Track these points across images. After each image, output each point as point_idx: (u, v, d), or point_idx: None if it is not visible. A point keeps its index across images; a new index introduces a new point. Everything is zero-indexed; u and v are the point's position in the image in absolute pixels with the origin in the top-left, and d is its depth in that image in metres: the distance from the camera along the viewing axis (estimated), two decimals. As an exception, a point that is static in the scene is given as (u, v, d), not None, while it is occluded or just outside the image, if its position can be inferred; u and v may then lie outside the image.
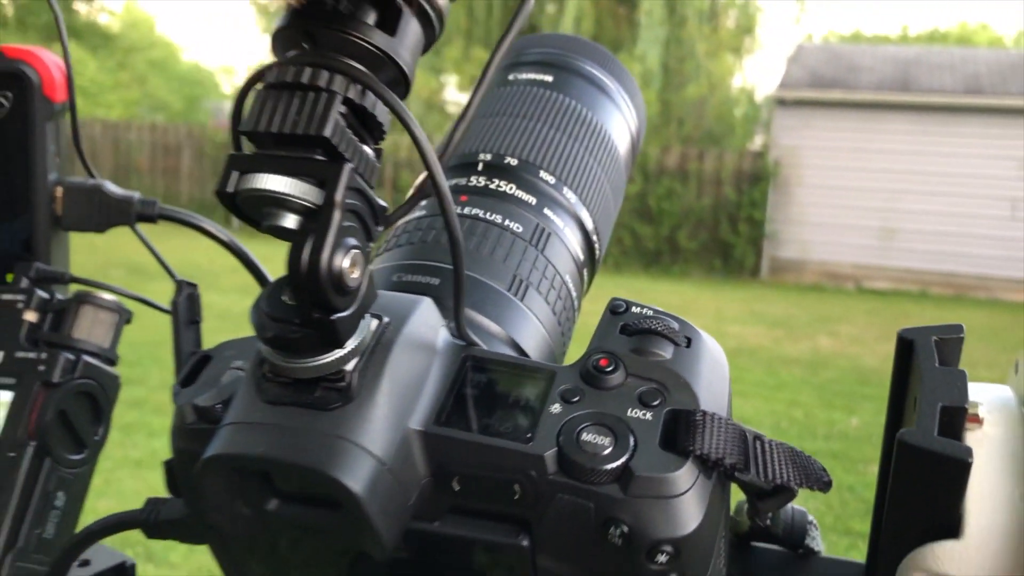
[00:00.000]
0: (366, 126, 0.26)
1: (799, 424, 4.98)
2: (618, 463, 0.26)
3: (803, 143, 12.01)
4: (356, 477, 0.25)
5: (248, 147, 0.26)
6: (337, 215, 0.24)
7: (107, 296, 0.42)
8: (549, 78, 0.42)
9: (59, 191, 0.48)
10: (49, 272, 0.45)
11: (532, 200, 0.37)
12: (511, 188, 0.37)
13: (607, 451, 0.26)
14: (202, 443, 0.29)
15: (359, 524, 0.26)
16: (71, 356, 0.41)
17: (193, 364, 0.30)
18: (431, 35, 0.27)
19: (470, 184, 0.37)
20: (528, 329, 0.34)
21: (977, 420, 0.27)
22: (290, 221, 0.25)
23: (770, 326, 8.12)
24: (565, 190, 0.39)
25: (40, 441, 0.39)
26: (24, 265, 0.46)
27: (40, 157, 0.47)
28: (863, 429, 4.85)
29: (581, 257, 0.39)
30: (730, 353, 0.29)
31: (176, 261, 0.52)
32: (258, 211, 0.25)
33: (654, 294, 9.02)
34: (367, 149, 0.26)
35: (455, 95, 7.53)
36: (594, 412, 0.27)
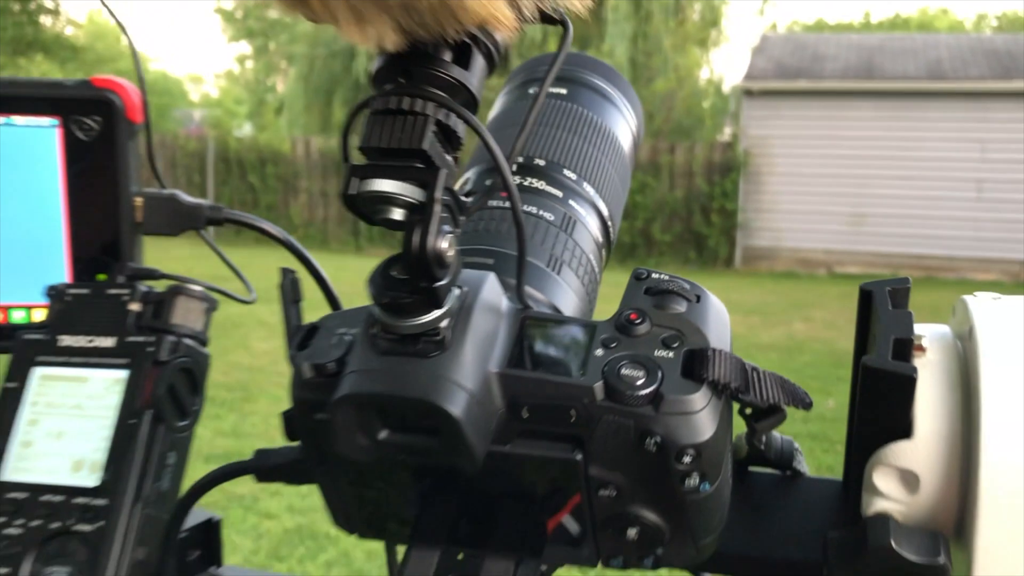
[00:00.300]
0: (449, 140, 0.33)
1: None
2: (650, 390, 0.33)
3: (772, 133, 12.15)
4: (455, 405, 0.32)
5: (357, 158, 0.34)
6: (437, 208, 0.32)
7: (197, 288, 0.50)
8: (564, 91, 0.50)
9: (139, 200, 0.55)
10: (142, 270, 0.53)
11: (559, 194, 0.45)
12: (541, 184, 0.45)
13: (641, 381, 0.34)
14: (318, 393, 0.36)
15: (456, 444, 0.33)
16: (173, 339, 0.48)
17: (305, 333, 0.38)
18: (492, 65, 0.35)
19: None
20: (565, 297, 0.42)
21: (921, 349, 0.35)
22: (398, 215, 0.32)
23: (745, 314, 8.24)
24: (584, 184, 0.47)
25: (155, 410, 0.46)
26: (120, 265, 0.53)
27: (124, 172, 0.55)
28: (839, 410, 4.96)
29: (600, 239, 0.47)
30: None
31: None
32: (372, 208, 0.33)
33: (631, 287, 9.09)
34: (450, 158, 0.34)
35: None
36: (629, 353, 0.34)
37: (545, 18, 0.32)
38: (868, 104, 11.96)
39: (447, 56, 0.33)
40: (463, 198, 0.33)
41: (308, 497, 3.87)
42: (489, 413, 0.34)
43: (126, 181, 0.53)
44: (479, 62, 0.34)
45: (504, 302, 0.37)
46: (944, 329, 0.37)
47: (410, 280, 0.32)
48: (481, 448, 0.33)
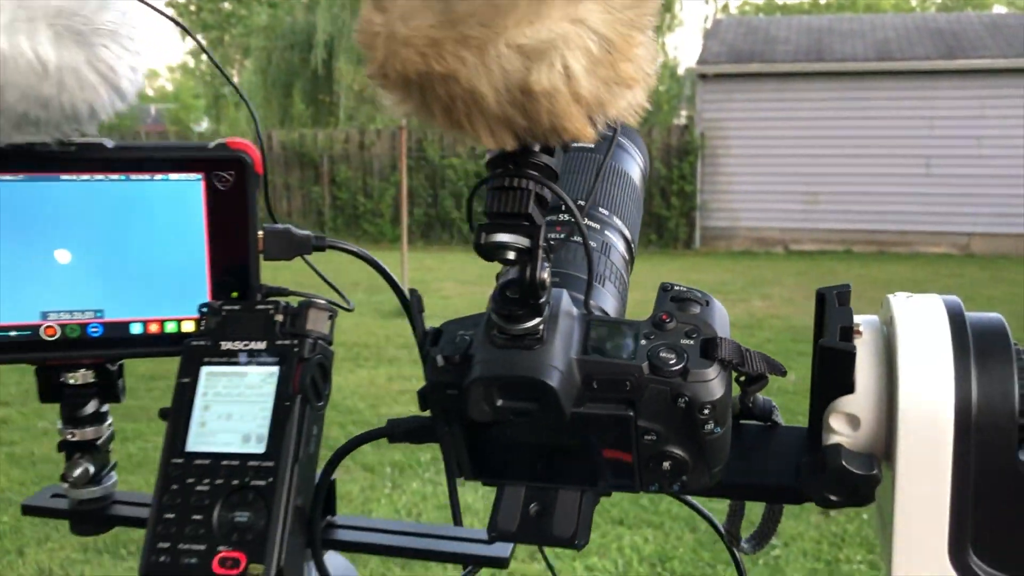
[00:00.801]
0: (542, 204, 0.49)
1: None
2: (680, 366, 0.50)
3: (727, 116, 12.39)
4: (553, 380, 0.48)
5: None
6: (540, 252, 0.48)
7: (321, 301, 0.65)
8: (591, 145, 0.66)
9: (261, 234, 0.71)
10: (275, 289, 0.68)
11: (597, 226, 0.62)
12: (586, 221, 0.61)
13: (673, 361, 0.50)
14: (448, 376, 0.52)
15: (552, 407, 0.49)
16: (311, 341, 0.63)
17: (433, 335, 0.53)
18: (565, 149, 0.50)
19: (560, 219, 0.61)
20: (608, 303, 0.58)
21: (859, 333, 0.52)
22: (512, 256, 0.48)
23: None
24: (614, 218, 0.63)
25: (302, 395, 0.62)
26: (260, 286, 0.69)
27: (252, 213, 0.70)
28: (801, 384, 5.18)
29: (626, 257, 0.63)
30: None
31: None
32: (494, 253, 0.48)
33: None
34: (542, 216, 0.49)
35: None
36: (664, 342, 0.51)
37: (608, 127, 0.48)
38: (819, 85, 12.23)
39: (538, 148, 0.49)
40: (551, 242, 0.50)
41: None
42: (572, 385, 0.50)
43: (252, 220, 0.69)
44: (558, 150, 0.50)
45: (574, 309, 0.53)
46: (874, 319, 0.54)
47: (521, 299, 0.49)
48: (568, 410, 0.50)
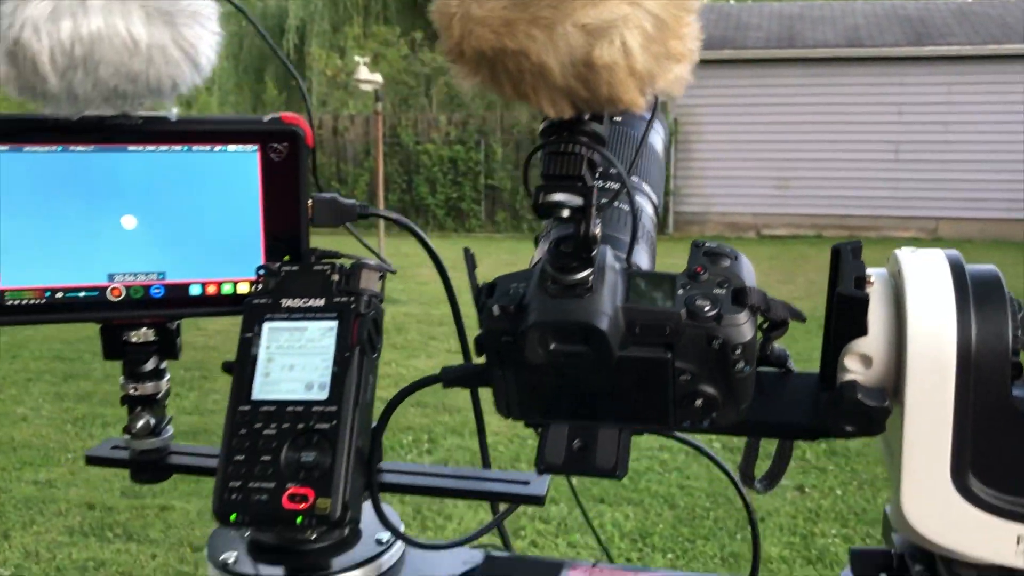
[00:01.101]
0: (592, 167, 0.55)
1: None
2: (714, 312, 0.55)
3: (699, 102, 12.48)
4: (603, 324, 0.54)
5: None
6: (593, 210, 0.53)
7: (373, 261, 0.71)
8: (620, 119, 0.72)
9: (310, 202, 0.76)
10: (328, 252, 0.73)
11: (598, 195, 0.68)
12: (618, 186, 0.67)
13: (708, 307, 0.56)
14: (504, 324, 0.57)
15: (601, 349, 0.55)
16: (365, 297, 0.69)
17: (487, 288, 0.59)
18: (611, 117, 0.56)
19: (603, 186, 0.67)
20: (642, 258, 0.64)
21: (870, 283, 0.58)
22: (566, 214, 0.54)
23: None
24: (644, 184, 0.69)
25: (360, 347, 0.67)
26: (313, 249, 0.74)
27: (303, 182, 0.75)
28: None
29: (654, 218, 0.69)
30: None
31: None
32: (550, 211, 0.54)
33: (569, 256, 9.31)
34: (592, 178, 0.55)
35: (367, 74, 7.78)
36: (699, 291, 0.57)
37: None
38: (790, 71, 12.36)
39: (588, 117, 0.55)
40: (601, 201, 0.56)
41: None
42: (618, 330, 0.56)
43: (303, 189, 0.74)
44: (607, 119, 0.56)
45: (617, 264, 0.59)
46: (883, 271, 0.61)
47: (575, 252, 0.54)
48: (615, 352, 0.55)
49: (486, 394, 0.65)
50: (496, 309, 0.58)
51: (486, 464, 0.83)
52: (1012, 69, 11.92)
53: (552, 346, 0.56)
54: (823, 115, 12.14)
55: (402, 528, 0.73)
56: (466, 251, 0.62)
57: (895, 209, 12.24)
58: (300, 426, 0.65)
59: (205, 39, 0.63)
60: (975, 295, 0.56)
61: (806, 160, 12.34)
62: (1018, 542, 0.56)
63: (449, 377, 0.65)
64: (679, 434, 0.77)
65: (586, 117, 0.55)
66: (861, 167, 12.30)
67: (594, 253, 0.55)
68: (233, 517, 0.64)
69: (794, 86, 12.34)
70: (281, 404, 0.66)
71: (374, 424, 0.71)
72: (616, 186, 0.66)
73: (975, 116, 11.91)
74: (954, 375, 0.55)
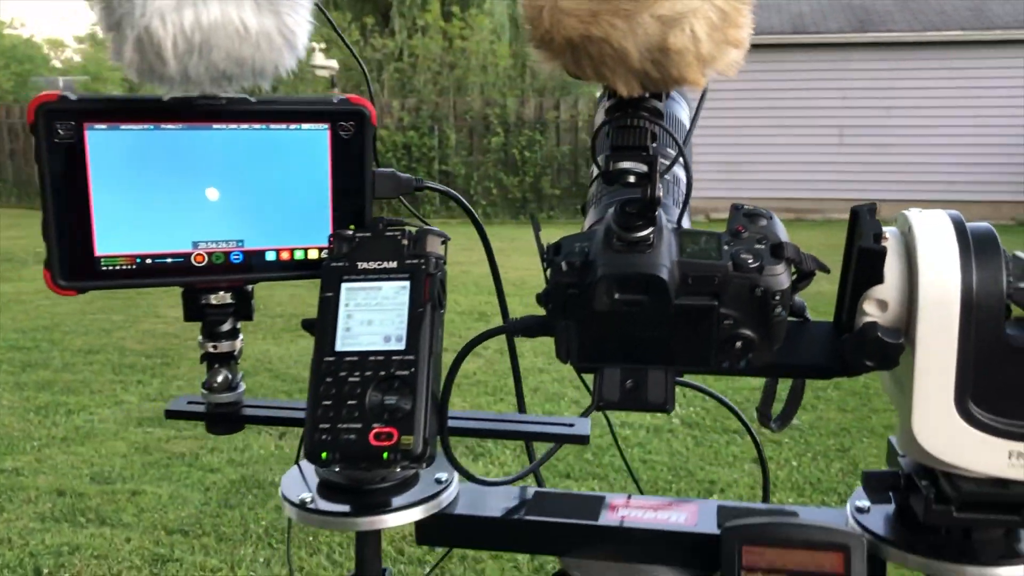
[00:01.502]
0: (655, 139, 0.63)
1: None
2: (756, 264, 0.65)
3: (650, 87, 12.60)
4: (664, 274, 0.62)
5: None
6: (655, 176, 0.62)
7: (436, 228, 0.79)
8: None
9: (372, 175, 0.84)
10: (395, 220, 0.81)
11: (666, 163, 0.77)
12: (674, 155, 0.76)
13: (751, 260, 0.65)
14: (571, 277, 0.66)
15: (662, 297, 0.64)
16: (433, 259, 0.77)
17: (553, 247, 0.67)
18: (668, 95, 0.65)
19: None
20: (686, 221, 0.74)
21: (885, 238, 0.68)
22: (633, 180, 0.62)
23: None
24: (680, 157, 0.78)
25: (432, 302, 0.75)
26: (378, 218, 0.82)
27: (368, 157, 0.82)
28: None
29: (687, 186, 0.78)
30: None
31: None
32: (618, 177, 0.62)
33: (524, 241, 9.40)
34: (654, 148, 0.64)
35: (322, 60, 7.79)
36: (742, 247, 0.66)
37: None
38: (738, 57, 12.53)
39: (649, 94, 0.63)
40: (662, 167, 0.64)
41: (246, 451, 4.08)
42: (674, 281, 0.65)
43: (368, 163, 0.82)
44: (664, 98, 0.64)
45: (669, 224, 0.68)
46: (895, 229, 0.71)
47: (640, 212, 0.63)
48: (673, 300, 0.64)
49: (522, 347, 0.73)
50: (564, 265, 0.67)
51: (522, 410, 0.92)
52: (951, 55, 12.29)
53: (617, 296, 0.65)
54: (770, 100, 12.36)
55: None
56: (532, 217, 0.70)
57: (839, 192, 12.51)
58: (382, 373, 0.73)
59: (303, 26, 0.70)
60: (975, 248, 0.66)
61: (753, 145, 12.56)
62: (1009, 456, 0.66)
63: (516, 327, 0.74)
64: (689, 380, 0.86)
65: (647, 95, 0.63)
66: (807, 151, 12.57)
67: (657, 213, 0.64)
68: (324, 455, 0.71)
69: (740, 72, 12.03)
70: (363, 354, 0.74)
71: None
72: (672, 155, 0.75)
73: (917, 101, 12.25)
74: (958, 316, 0.65)
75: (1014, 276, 0.66)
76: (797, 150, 12.56)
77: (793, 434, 4.20)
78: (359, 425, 0.72)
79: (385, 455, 0.71)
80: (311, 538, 3.23)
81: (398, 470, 0.78)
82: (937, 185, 12.06)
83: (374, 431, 0.71)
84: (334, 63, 7.79)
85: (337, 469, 0.77)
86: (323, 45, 8.79)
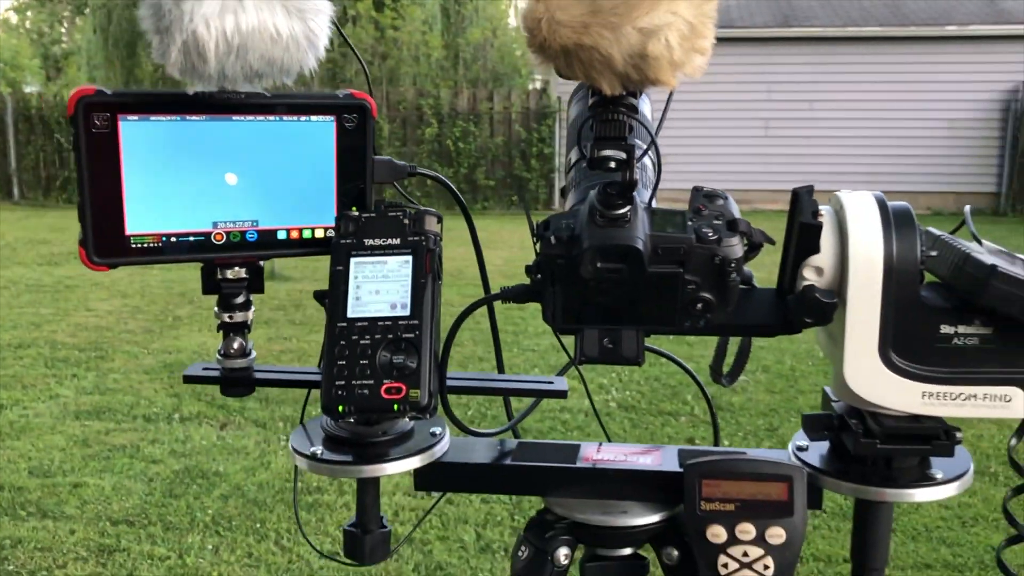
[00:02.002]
0: (632, 131, 0.75)
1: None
2: (716, 237, 0.76)
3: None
4: (640, 245, 0.74)
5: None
6: (633, 162, 0.73)
7: (432, 209, 0.89)
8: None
9: (372, 162, 0.94)
10: (394, 203, 0.91)
11: (639, 152, 0.88)
12: (645, 145, 0.88)
13: (711, 233, 0.77)
14: (557, 250, 0.77)
15: (639, 265, 0.75)
16: (431, 236, 0.87)
17: (542, 224, 0.78)
18: (642, 92, 0.76)
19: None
20: (655, 201, 0.85)
21: (822, 215, 0.81)
22: (613, 165, 0.74)
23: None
24: (651, 146, 0.90)
25: (432, 274, 0.85)
26: (380, 200, 0.91)
27: (369, 147, 0.92)
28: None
29: (657, 172, 0.89)
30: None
31: None
32: (601, 163, 0.74)
33: (459, 231, 9.47)
34: (632, 139, 0.75)
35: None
36: (703, 222, 0.77)
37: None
38: (667, 51, 12.77)
39: (627, 93, 0.75)
40: (638, 154, 0.76)
41: (187, 442, 4.10)
42: (647, 251, 0.76)
43: (369, 152, 0.91)
44: (639, 94, 0.76)
45: (642, 204, 0.79)
46: (829, 207, 0.83)
47: (619, 193, 0.75)
48: (647, 268, 0.76)
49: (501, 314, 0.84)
50: (553, 239, 0.78)
51: (501, 370, 1.03)
52: (871, 50, 12.73)
53: (599, 264, 0.76)
54: (697, 93, 12.59)
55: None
56: (520, 195, 0.81)
57: (765, 183, 12.86)
58: (390, 336, 0.83)
59: (324, 30, 0.80)
60: (895, 223, 0.79)
61: (681, 137, 12.79)
62: (922, 396, 0.80)
63: (507, 294, 0.85)
64: (658, 349, 0.98)
65: (625, 94, 0.75)
66: (734, 143, 12.90)
67: (636, 192, 0.76)
68: (341, 408, 0.81)
69: (671, 65, 12.73)
70: (372, 320, 0.84)
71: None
72: (643, 145, 0.87)
73: (838, 94, 12.67)
74: (881, 279, 0.78)
75: (926, 247, 0.79)
76: (724, 142, 12.88)
77: (724, 415, 4.39)
78: (371, 381, 0.81)
79: (396, 407, 0.81)
80: (259, 525, 3.28)
81: (407, 419, 0.89)
82: (859, 176, 12.46)
83: (385, 386, 0.81)
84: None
85: (352, 420, 0.87)
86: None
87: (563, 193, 0.89)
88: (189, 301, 7.00)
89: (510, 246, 9.03)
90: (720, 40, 0.74)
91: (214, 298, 0.92)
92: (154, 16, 0.74)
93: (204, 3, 0.73)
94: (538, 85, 14.59)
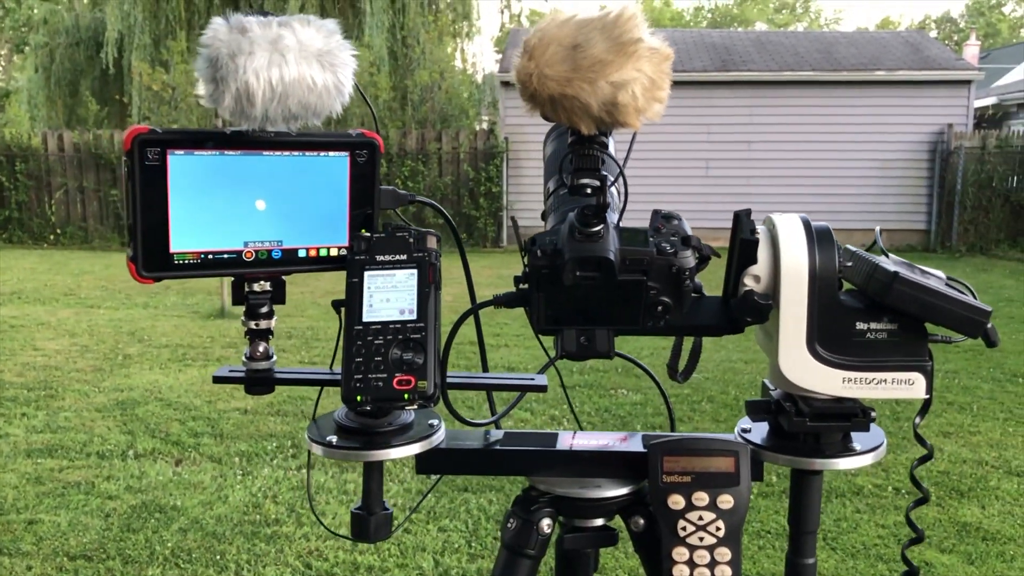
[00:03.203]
0: (604, 163, 0.91)
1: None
2: (672, 250, 0.93)
3: (528, 121, 12.97)
4: (612, 256, 0.89)
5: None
6: (605, 189, 0.89)
7: (432, 230, 1.04)
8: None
9: (379, 192, 1.09)
10: (400, 226, 1.06)
11: (609, 181, 1.05)
12: (614, 176, 1.04)
13: (668, 248, 0.93)
14: (543, 261, 0.92)
15: (609, 274, 0.91)
16: (433, 253, 1.02)
17: (529, 240, 0.94)
18: (609, 132, 0.93)
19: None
20: (620, 222, 1.02)
21: (758, 233, 0.98)
22: (590, 191, 0.90)
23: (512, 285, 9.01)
24: (619, 176, 1.06)
25: (434, 284, 0.99)
26: (388, 224, 1.07)
27: (377, 178, 1.07)
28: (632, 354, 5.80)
29: (624, 198, 1.06)
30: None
31: None
32: (579, 189, 0.90)
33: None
34: (603, 170, 0.91)
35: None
36: (662, 239, 0.94)
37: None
38: (610, 93, 13.11)
39: (600, 133, 0.91)
40: (609, 182, 0.93)
41: (143, 478, 4.12)
42: (618, 262, 0.93)
43: (377, 183, 1.07)
44: (609, 134, 0.93)
45: (612, 223, 0.96)
46: (763, 227, 1.01)
47: (594, 214, 0.91)
48: (617, 276, 0.92)
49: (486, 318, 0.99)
50: (539, 252, 0.94)
51: (485, 368, 1.18)
52: (804, 93, 13.23)
53: (578, 273, 0.92)
54: (640, 134, 12.88)
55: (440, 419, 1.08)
56: (513, 220, 0.98)
57: (705, 221, 13.07)
58: (400, 336, 0.98)
59: (349, 80, 0.96)
60: (818, 239, 0.96)
61: (627, 177, 13.13)
62: (842, 382, 0.96)
63: (499, 301, 1.00)
64: (622, 353, 1.15)
65: (598, 133, 0.92)
66: (675, 183, 13.26)
67: (609, 212, 0.92)
68: (359, 398, 0.96)
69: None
70: (384, 323, 0.98)
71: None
72: (611, 177, 1.03)
73: (774, 135, 13.12)
74: (807, 285, 0.95)
75: (844, 259, 0.97)
76: (668, 182, 13.23)
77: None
78: (385, 375, 0.96)
79: (406, 396, 0.96)
80: (218, 557, 3.33)
81: (409, 412, 1.03)
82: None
83: (397, 379, 0.96)
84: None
85: (368, 408, 1.01)
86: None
87: (543, 217, 1.06)
88: (139, 340, 6.96)
89: (461, 283, 9.11)
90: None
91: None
92: (210, 68, 0.89)
93: (255, 57, 0.88)
94: (485, 126, 14.85)
